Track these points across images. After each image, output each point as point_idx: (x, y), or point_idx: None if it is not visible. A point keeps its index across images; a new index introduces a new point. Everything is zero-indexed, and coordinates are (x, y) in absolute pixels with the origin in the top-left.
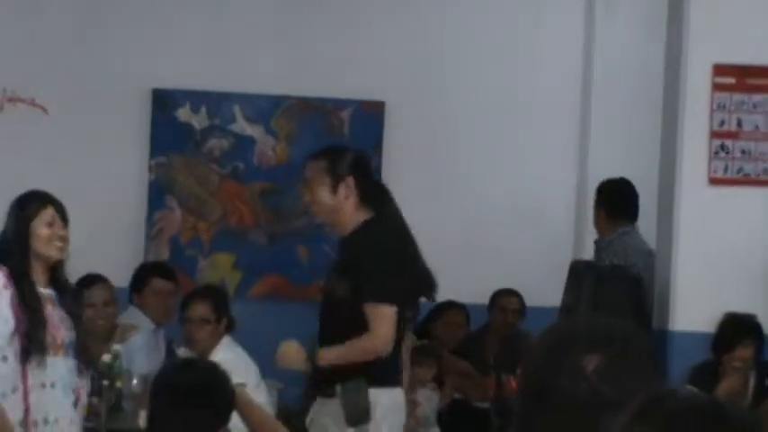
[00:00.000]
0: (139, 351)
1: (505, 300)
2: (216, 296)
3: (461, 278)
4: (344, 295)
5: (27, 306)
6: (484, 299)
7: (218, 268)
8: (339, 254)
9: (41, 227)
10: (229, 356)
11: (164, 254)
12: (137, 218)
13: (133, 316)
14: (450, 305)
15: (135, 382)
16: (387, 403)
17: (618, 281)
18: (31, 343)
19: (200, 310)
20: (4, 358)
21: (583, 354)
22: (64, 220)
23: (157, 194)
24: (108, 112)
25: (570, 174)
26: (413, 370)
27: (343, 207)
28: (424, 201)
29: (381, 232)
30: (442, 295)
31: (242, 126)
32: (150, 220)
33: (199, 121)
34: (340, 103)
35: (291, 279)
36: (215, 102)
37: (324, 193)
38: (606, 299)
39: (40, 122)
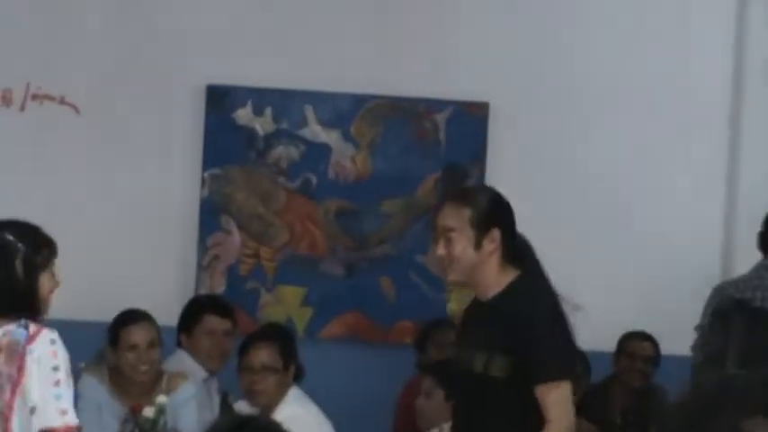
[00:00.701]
0: (189, 405)
1: (636, 345)
2: (282, 339)
3: (580, 322)
4: (504, 375)
5: None
6: (609, 345)
7: (285, 304)
8: (479, 319)
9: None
10: (299, 413)
11: (219, 286)
12: (186, 243)
13: (181, 361)
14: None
15: None
16: None
17: None
18: None
19: (264, 355)
20: None
21: (741, 416)
22: None
23: (211, 214)
24: (152, 113)
25: (717, 191)
26: None
27: (486, 264)
28: (534, 226)
29: (542, 295)
30: None
31: (315, 131)
32: (203, 246)
33: (262, 124)
34: (435, 105)
35: (373, 317)
36: (282, 102)
37: (466, 248)
38: (762, 346)
39: (69, 125)
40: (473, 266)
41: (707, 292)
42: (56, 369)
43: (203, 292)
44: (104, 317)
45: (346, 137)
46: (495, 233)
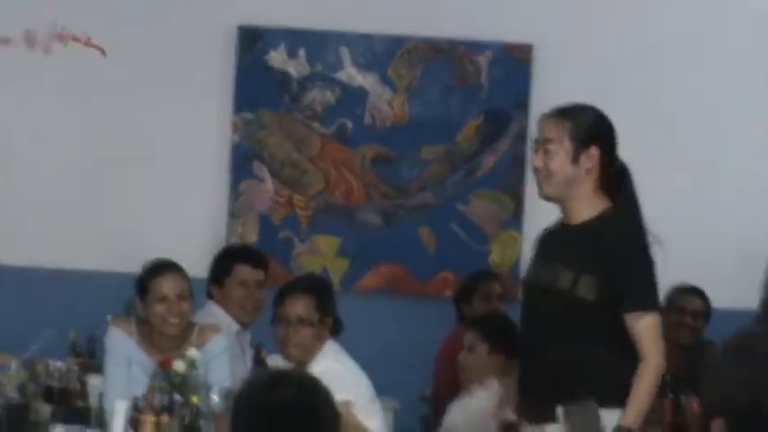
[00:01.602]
0: (220, 358)
1: (685, 299)
2: (319, 290)
3: None
4: (589, 296)
5: None
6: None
7: (319, 254)
8: (565, 242)
9: None
10: (334, 367)
11: (251, 236)
12: (217, 190)
13: (213, 314)
14: None
15: (215, 397)
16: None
17: None
18: None
19: (300, 307)
20: None
21: None
22: None
23: (243, 160)
24: (180, 55)
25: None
26: None
27: (582, 182)
28: None
29: (635, 227)
30: None
31: (351, 74)
32: (234, 194)
33: (296, 67)
34: (476, 47)
35: (412, 269)
36: (317, 43)
37: (564, 162)
38: None
39: (95, 67)
40: (569, 181)
41: (758, 245)
42: None
43: (234, 241)
44: (133, 267)
45: (383, 80)
46: (594, 151)
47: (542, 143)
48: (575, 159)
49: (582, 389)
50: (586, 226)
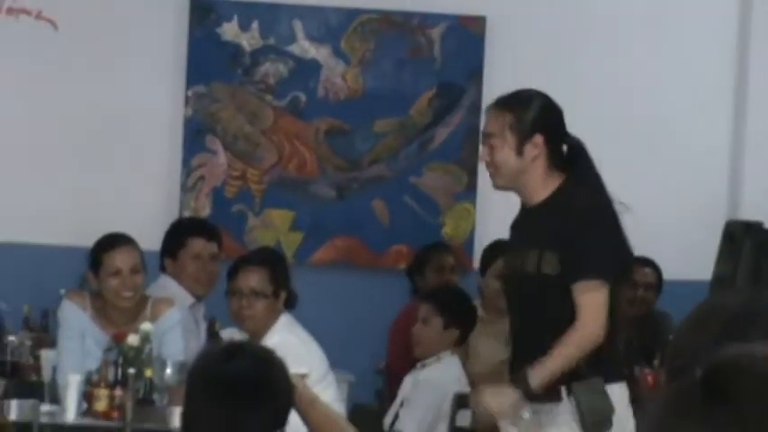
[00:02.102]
0: (174, 332)
1: (637, 271)
2: (273, 263)
3: None
4: (553, 272)
5: None
6: None
7: (273, 228)
8: (527, 225)
9: None
10: (289, 339)
11: (204, 209)
12: (170, 164)
13: (166, 287)
14: None
15: (169, 370)
16: (620, 402)
17: None
18: None
19: (254, 280)
20: None
21: (763, 339)
22: None
23: (196, 134)
24: (133, 27)
25: (724, 116)
26: None
27: (530, 170)
28: None
29: (591, 195)
30: None
31: (304, 47)
32: (187, 167)
33: (249, 40)
34: (430, 19)
35: (366, 241)
36: (270, 15)
37: (508, 155)
38: None
39: (47, 40)
40: (516, 173)
41: (711, 216)
42: None
43: (187, 214)
44: (86, 241)
45: (337, 53)
46: (538, 139)
47: (486, 137)
48: (519, 151)
49: (586, 368)
50: (543, 205)
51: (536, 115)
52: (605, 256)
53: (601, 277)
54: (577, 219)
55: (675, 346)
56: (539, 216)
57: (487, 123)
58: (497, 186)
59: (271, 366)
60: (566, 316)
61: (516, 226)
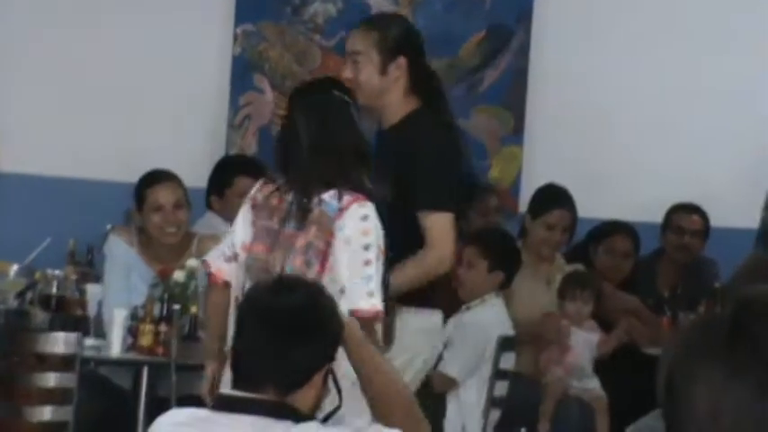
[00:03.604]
0: None
1: (684, 218)
2: None
3: (628, 192)
4: (391, 200)
5: None
6: (656, 217)
7: None
8: (382, 148)
9: None
10: None
11: (250, 147)
12: (217, 102)
13: (212, 224)
14: (616, 227)
15: None
16: (417, 327)
17: None
18: None
19: None
20: None
21: None
22: None
23: (243, 72)
24: None
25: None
26: (564, 305)
27: (391, 91)
28: (581, 88)
29: (435, 127)
30: (606, 213)
31: None
32: (234, 105)
33: None
34: None
35: None
36: None
37: (372, 73)
38: None
39: None
40: (379, 92)
41: (757, 164)
42: (367, 248)
43: (234, 152)
44: (133, 177)
45: None
46: (402, 61)
47: (351, 55)
48: (382, 71)
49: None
50: (393, 129)
51: (401, 37)
52: (449, 187)
53: (445, 207)
54: (420, 150)
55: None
56: (387, 142)
57: (353, 41)
58: (360, 102)
59: (320, 301)
60: (414, 242)
61: (376, 146)
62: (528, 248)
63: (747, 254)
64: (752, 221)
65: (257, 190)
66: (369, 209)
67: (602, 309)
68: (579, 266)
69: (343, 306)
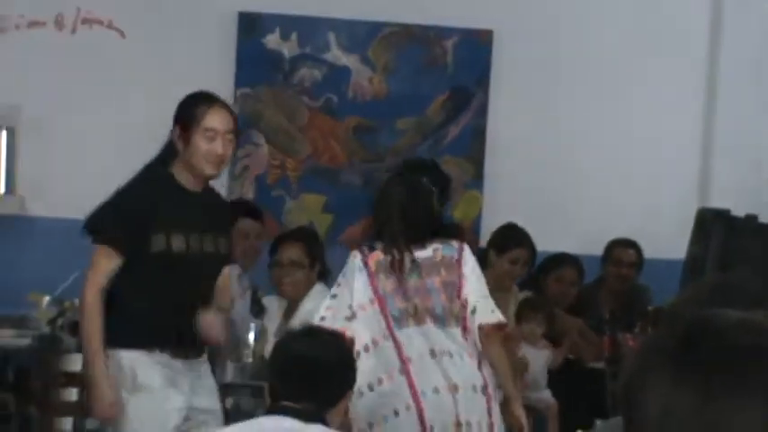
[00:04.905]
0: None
1: (622, 252)
2: (309, 240)
3: (573, 228)
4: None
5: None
6: (597, 250)
7: (307, 210)
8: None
9: None
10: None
11: (248, 193)
12: None
13: None
14: (564, 259)
15: None
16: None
17: (751, 233)
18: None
19: (293, 252)
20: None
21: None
22: None
23: (242, 129)
24: (190, 37)
25: (696, 118)
26: (519, 326)
27: None
28: (535, 143)
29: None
30: (554, 246)
31: (336, 55)
32: (234, 157)
33: (289, 48)
34: (444, 32)
35: None
36: (307, 28)
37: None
38: (739, 252)
39: (116, 47)
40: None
41: (682, 203)
42: (481, 277)
43: (235, 198)
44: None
45: (364, 60)
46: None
47: (230, 134)
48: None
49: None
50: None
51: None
52: (105, 221)
53: (101, 241)
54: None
55: (670, 314)
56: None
57: (231, 122)
58: (216, 176)
59: (328, 349)
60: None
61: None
62: (491, 278)
63: (675, 281)
64: (680, 254)
65: (364, 258)
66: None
67: (553, 330)
68: (530, 293)
69: (477, 321)
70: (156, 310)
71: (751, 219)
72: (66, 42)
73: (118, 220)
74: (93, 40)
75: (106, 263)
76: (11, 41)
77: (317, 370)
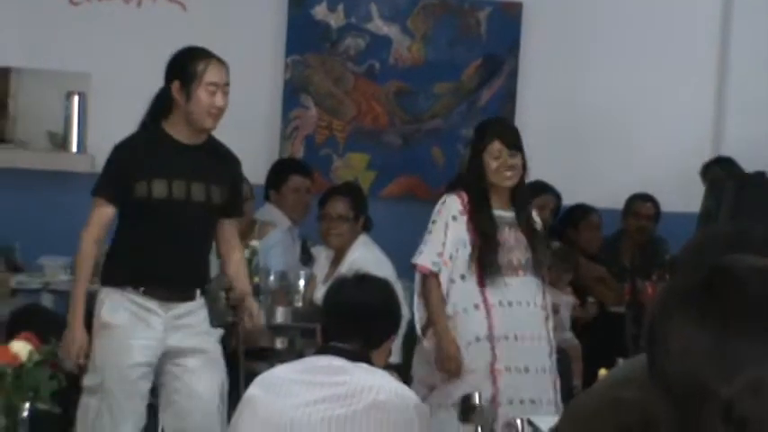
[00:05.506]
0: (276, 248)
1: (640, 205)
2: (354, 194)
3: (595, 182)
4: None
5: (481, 231)
6: (617, 204)
7: (352, 168)
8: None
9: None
10: (366, 255)
11: (298, 153)
12: (272, 116)
13: (270, 213)
14: (587, 209)
15: (272, 278)
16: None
17: (761, 188)
18: (485, 266)
19: (340, 207)
20: (463, 277)
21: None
22: None
23: (293, 93)
24: (245, 10)
25: (710, 76)
26: (550, 274)
27: None
28: (560, 105)
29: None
30: (577, 198)
31: (378, 25)
32: (285, 119)
33: (335, 19)
34: (477, 4)
35: (425, 180)
36: (352, 0)
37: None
38: (749, 207)
39: (177, 19)
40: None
41: (696, 159)
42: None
43: (286, 156)
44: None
45: (404, 30)
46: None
47: (226, 86)
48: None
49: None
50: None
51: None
52: (101, 178)
53: (96, 194)
54: None
55: (683, 259)
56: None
57: (227, 75)
58: (213, 128)
59: (392, 292)
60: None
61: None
62: None
63: (691, 233)
64: (695, 207)
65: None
66: None
67: (578, 277)
68: (556, 243)
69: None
70: (135, 251)
71: (760, 174)
72: (132, 15)
73: (106, 172)
74: (156, 13)
75: (98, 213)
76: (83, 14)
77: (364, 314)
